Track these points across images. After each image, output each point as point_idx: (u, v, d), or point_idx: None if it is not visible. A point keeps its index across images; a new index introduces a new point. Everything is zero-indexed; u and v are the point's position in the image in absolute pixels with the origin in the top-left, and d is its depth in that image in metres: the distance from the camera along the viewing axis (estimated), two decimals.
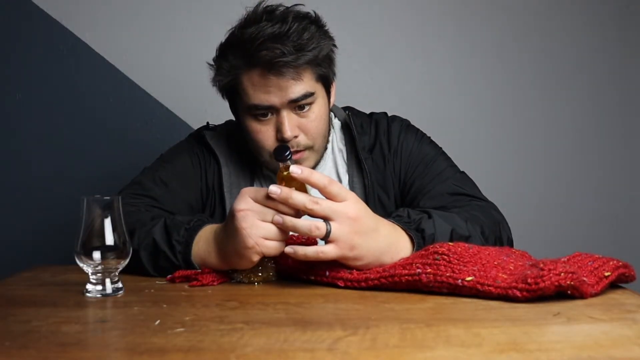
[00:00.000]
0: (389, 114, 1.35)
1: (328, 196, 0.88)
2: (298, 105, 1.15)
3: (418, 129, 1.33)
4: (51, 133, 1.83)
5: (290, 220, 0.87)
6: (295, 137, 1.16)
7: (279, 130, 1.15)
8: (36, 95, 1.82)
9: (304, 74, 1.13)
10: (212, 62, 1.21)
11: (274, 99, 1.12)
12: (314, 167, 1.25)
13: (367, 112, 1.38)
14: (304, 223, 0.86)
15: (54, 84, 1.83)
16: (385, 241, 0.91)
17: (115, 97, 1.86)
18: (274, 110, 1.15)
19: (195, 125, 1.85)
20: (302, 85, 1.13)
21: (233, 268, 0.95)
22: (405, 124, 1.32)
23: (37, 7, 1.81)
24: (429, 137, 1.32)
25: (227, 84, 1.18)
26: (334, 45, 1.20)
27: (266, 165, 1.24)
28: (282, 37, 1.09)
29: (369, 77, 1.96)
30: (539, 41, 2.05)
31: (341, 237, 0.87)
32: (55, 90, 1.83)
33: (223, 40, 1.19)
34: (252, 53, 1.10)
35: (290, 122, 1.14)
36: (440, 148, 1.31)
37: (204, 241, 0.97)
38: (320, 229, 0.86)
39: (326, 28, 1.18)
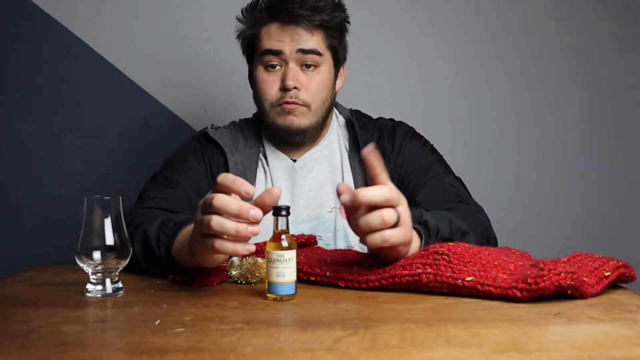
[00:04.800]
0: (395, 120, 1.38)
1: (382, 180, 0.83)
2: (305, 62, 1.24)
3: (422, 136, 1.36)
4: (51, 133, 1.83)
5: (364, 220, 0.81)
6: (296, 89, 1.24)
7: (283, 79, 1.24)
8: (36, 95, 1.82)
9: (316, 32, 1.25)
10: (239, 17, 1.30)
11: (284, 46, 1.24)
12: (311, 136, 1.30)
13: (368, 112, 1.40)
14: (375, 216, 0.81)
15: (54, 84, 1.83)
16: None
17: (115, 97, 1.86)
18: (283, 61, 1.25)
19: (195, 125, 1.86)
20: (313, 40, 1.24)
21: (199, 264, 0.92)
22: (411, 131, 1.36)
23: (37, 7, 1.81)
24: (432, 145, 1.36)
25: (248, 36, 1.29)
26: (347, 22, 1.30)
27: (266, 119, 1.29)
28: None
29: (369, 77, 1.96)
30: (539, 41, 2.04)
31: (406, 220, 0.84)
32: (55, 90, 1.83)
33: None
34: (275, 6, 1.24)
35: (293, 74, 1.24)
36: (441, 155, 1.34)
37: (185, 234, 0.96)
38: (392, 217, 0.81)
39: (344, 7, 1.30)
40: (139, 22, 1.87)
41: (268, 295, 0.84)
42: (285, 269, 0.83)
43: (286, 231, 0.84)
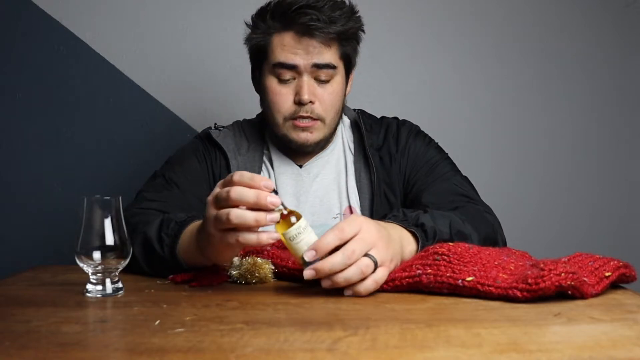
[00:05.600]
0: (400, 119, 1.38)
1: (348, 239, 0.83)
2: (319, 75, 1.21)
3: (427, 135, 1.36)
4: (51, 133, 1.83)
5: (342, 276, 0.82)
6: (312, 103, 1.21)
7: (297, 93, 1.21)
8: (36, 95, 1.82)
9: (331, 44, 1.21)
10: (248, 22, 1.26)
11: (299, 60, 1.20)
12: (322, 145, 1.29)
13: (368, 112, 1.40)
14: (355, 270, 0.82)
15: (54, 84, 1.83)
16: (397, 238, 0.92)
17: (115, 97, 1.86)
18: (297, 73, 1.21)
19: (195, 125, 1.86)
20: (328, 53, 1.21)
21: (212, 262, 0.92)
22: (415, 129, 1.35)
23: (37, 7, 1.81)
24: (437, 143, 1.35)
25: (258, 43, 1.24)
26: (362, 31, 1.28)
27: (277, 131, 1.26)
28: (318, 7, 1.18)
29: (369, 77, 1.96)
30: (539, 41, 2.04)
31: (384, 258, 0.85)
32: (56, 90, 1.83)
33: (264, 4, 1.25)
34: (289, 16, 1.18)
35: (309, 87, 1.21)
36: (447, 153, 1.33)
37: (189, 233, 0.96)
38: (369, 266, 0.83)
39: (358, 14, 1.26)
40: (139, 22, 1.87)
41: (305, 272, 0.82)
42: (309, 234, 0.83)
43: (285, 207, 0.83)
